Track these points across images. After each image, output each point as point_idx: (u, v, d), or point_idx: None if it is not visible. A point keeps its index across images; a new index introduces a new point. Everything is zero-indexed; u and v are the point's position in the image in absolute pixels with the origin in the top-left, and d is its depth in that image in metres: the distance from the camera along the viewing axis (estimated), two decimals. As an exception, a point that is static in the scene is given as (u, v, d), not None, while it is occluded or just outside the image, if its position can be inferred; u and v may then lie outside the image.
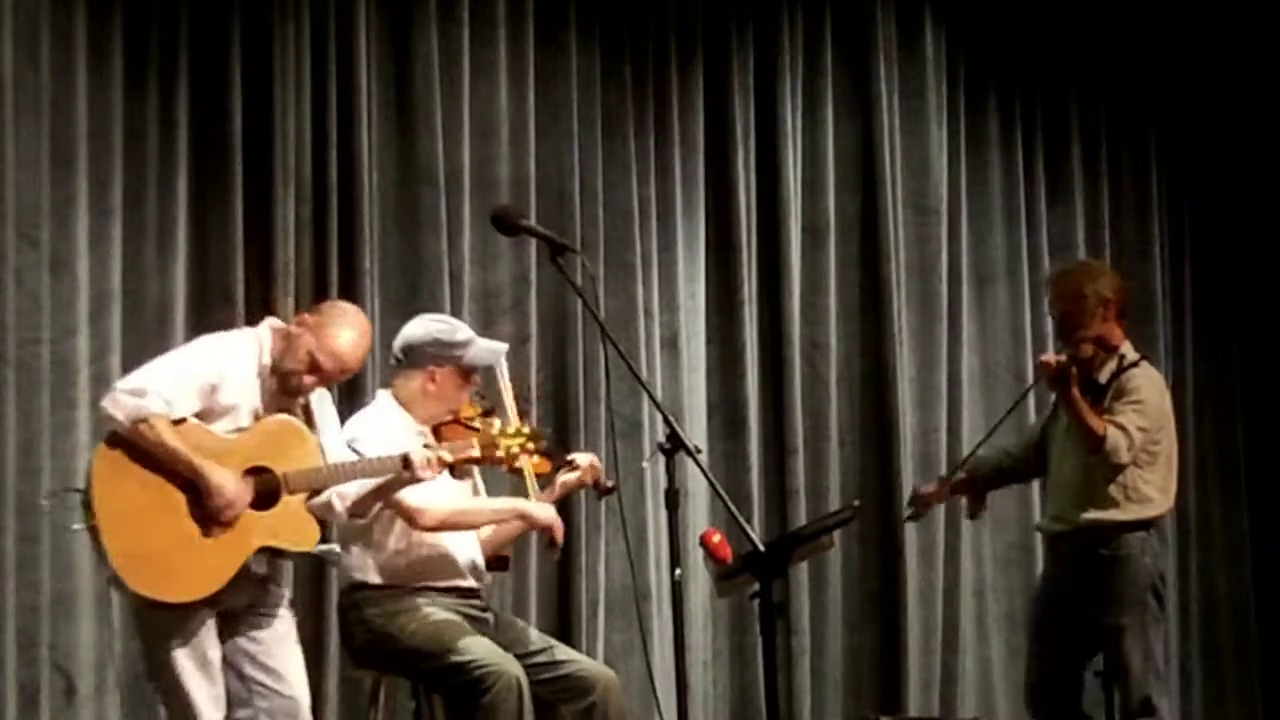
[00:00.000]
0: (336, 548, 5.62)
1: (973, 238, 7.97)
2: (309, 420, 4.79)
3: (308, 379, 4.71)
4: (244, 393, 4.67)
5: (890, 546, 7.52)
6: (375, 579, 5.11)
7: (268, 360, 4.71)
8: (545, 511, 5.16)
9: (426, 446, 4.87)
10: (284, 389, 4.72)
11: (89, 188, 6.15)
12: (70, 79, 6.13)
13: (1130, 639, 5.72)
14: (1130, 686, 5.72)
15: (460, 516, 5.13)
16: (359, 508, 4.85)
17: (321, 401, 4.88)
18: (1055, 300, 6.02)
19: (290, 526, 4.65)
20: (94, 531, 4.53)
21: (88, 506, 4.54)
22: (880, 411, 7.62)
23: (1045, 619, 5.96)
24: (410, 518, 5.03)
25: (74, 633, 6.00)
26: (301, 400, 4.78)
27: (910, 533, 7.50)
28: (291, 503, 4.62)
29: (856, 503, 6.34)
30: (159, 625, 4.62)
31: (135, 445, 4.51)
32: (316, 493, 4.70)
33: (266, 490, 4.61)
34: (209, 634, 4.64)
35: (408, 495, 4.99)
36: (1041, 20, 8.13)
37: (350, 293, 6.53)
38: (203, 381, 4.60)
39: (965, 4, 8.02)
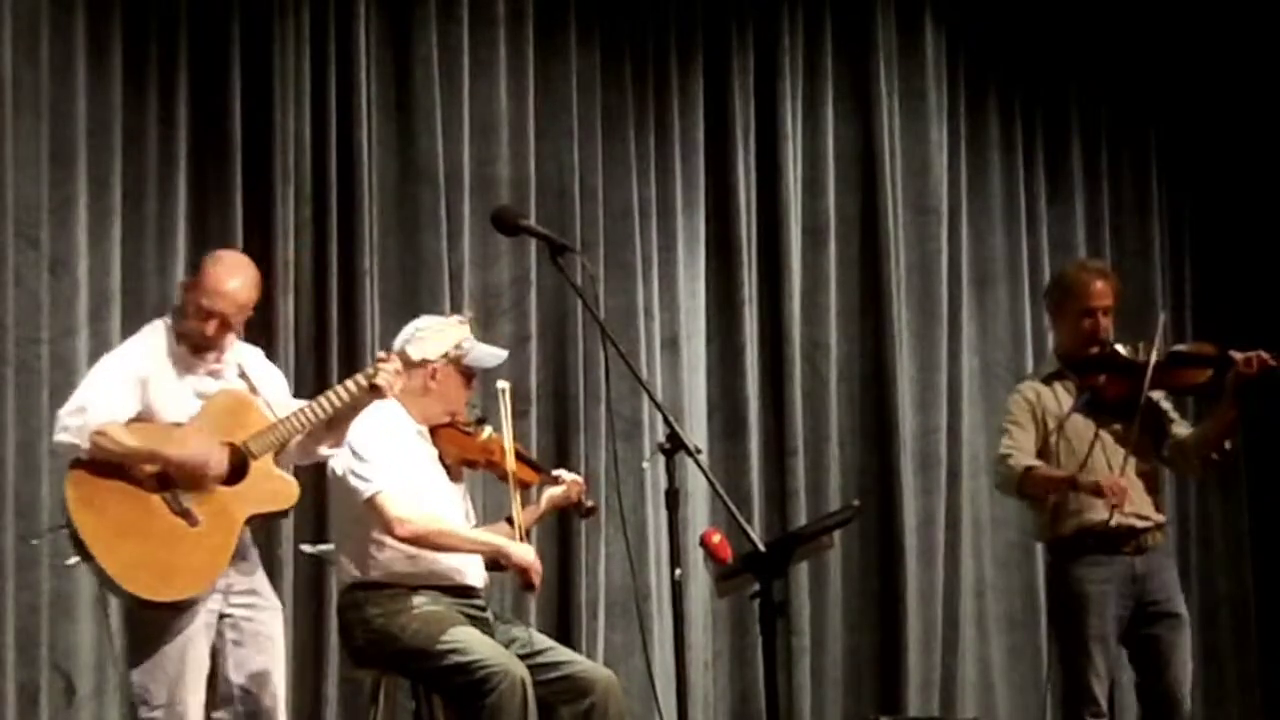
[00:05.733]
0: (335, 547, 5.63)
1: (973, 238, 7.96)
2: (249, 384, 4.83)
3: (209, 327, 4.72)
4: (168, 377, 4.71)
5: (890, 546, 7.52)
6: (375, 578, 5.09)
7: (180, 346, 4.76)
8: (524, 554, 5.11)
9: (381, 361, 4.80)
10: (196, 351, 4.75)
11: (89, 188, 6.16)
12: (70, 79, 6.14)
13: (1188, 631, 5.63)
14: (1185, 679, 5.56)
15: (438, 537, 5.06)
16: (335, 441, 4.88)
17: (254, 360, 4.92)
18: (1116, 295, 5.71)
19: (267, 489, 4.73)
20: (89, 559, 4.58)
21: (74, 538, 4.59)
22: (880, 412, 7.61)
23: (1116, 621, 5.55)
24: (388, 525, 5.00)
25: (74, 633, 6.01)
26: (219, 363, 4.79)
27: (910, 533, 7.51)
28: (261, 467, 4.70)
29: (856, 503, 6.31)
30: (154, 624, 4.65)
31: (97, 461, 4.57)
32: (282, 449, 4.75)
33: (234, 464, 4.67)
34: (202, 633, 4.67)
35: (395, 501, 4.99)
36: (1041, 20, 8.12)
37: (350, 293, 6.55)
38: (131, 379, 4.67)
39: (965, 4, 8.01)
